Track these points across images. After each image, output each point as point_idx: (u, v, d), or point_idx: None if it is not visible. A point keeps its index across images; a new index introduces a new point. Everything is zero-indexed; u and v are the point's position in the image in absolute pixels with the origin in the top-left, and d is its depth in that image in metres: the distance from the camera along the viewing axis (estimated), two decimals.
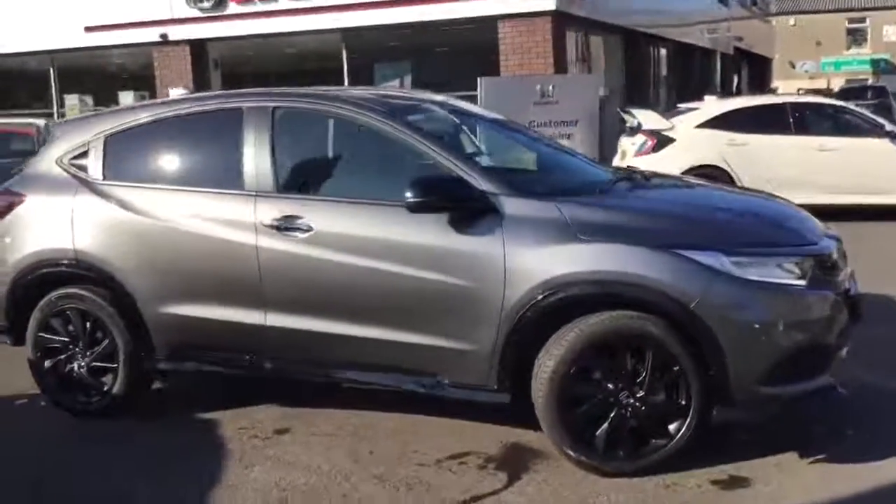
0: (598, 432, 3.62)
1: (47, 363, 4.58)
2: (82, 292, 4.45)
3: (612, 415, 3.60)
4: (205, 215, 4.20)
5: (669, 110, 13.16)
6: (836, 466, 3.69)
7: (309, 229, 3.97)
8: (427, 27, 14.31)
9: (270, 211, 4.05)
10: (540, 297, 3.61)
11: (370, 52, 15.54)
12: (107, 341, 4.44)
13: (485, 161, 4.34)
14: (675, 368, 3.54)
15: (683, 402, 3.57)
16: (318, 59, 16.37)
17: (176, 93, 4.23)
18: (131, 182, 4.42)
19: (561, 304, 3.62)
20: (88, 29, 16.36)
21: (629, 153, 11.04)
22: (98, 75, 18.65)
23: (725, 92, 25.10)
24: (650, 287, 3.49)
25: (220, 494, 3.69)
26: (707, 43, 24.56)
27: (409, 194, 3.66)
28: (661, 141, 10.62)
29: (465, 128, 4.67)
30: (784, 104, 10.90)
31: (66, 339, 4.54)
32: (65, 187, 4.53)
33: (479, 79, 11.94)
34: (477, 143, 4.65)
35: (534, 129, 11.46)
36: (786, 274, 3.57)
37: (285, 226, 4.01)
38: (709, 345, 3.47)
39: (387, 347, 3.94)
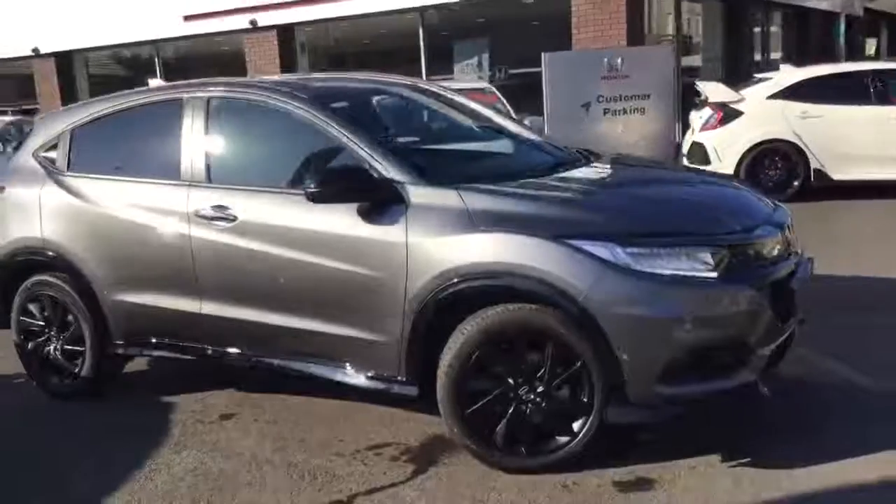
0: (498, 428, 3.50)
1: (29, 345, 4.86)
2: (51, 279, 4.68)
3: (511, 410, 3.48)
4: (146, 205, 4.32)
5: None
6: (755, 472, 3.42)
7: (234, 219, 4.02)
8: (503, 3, 14.09)
9: (201, 201, 4.12)
10: (439, 288, 3.52)
11: (447, 30, 15.47)
12: (74, 326, 4.66)
13: (416, 148, 4.23)
14: (578, 364, 3.36)
15: (586, 400, 3.40)
16: (398, 40, 16.46)
17: (154, 83, 4.37)
18: (87, 173, 4.61)
19: (460, 295, 3.51)
20: (187, 18, 17.10)
21: (697, 128, 10.54)
22: (197, 63, 19.44)
23: (854, 59, 23.41)
24: (540, 279, 3.33)
25: (136, 476, 3.80)
26: (826, 5, 22.98)
27: (309, 184, 3.63)
28: (728, 114, 10.05)
29: (414, 114, 4.58)
30: (865, 71, 10.03)
31: (41, 324, 4.80)
32: (36, 179, 4.77)
33: (542, 54, 11.71)
34: (422, 129, 4.56)
35: (602, 102, 11.36)
36: (693, 265, 3.31)
37: (213, 215, 4.07)
38: (599, 340, 3.28)
39: (305, 337, 3.94)
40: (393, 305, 3.63)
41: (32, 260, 4.75)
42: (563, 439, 3.48)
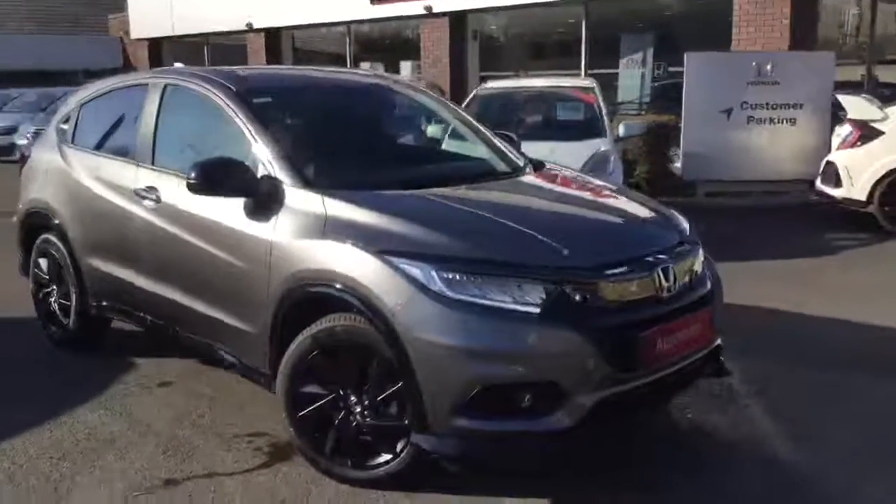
0: (328, 436, 3.49)
1: (40, 295, 5.43)
2: (52, 238, 5.19)
3: (338, 420, 3.45)
4: (108, 179, 4.67)
5: None
6: None
7: (158, 200, 4.27)
8: None
9: (141, 180, 4.41)
10: (288, 290, 3.56)
11: (610, 23, 14.97)
12: (65, 283, 5.15)
13: (324, 149, 4.19)
14: (399, 384, 3.27)
15: (406, 422, 3.30)
16: (561, 30, 16.15)
17: (177, 66, 4.68)
18: (79, 145, 5.06)
19: (304, 299, 3.53)
20: (374, 1, 17.77)
21: (834, 146, 9.53)
22: (382, 45, 20.21)
23: None
24: (356, 292, 3.26)
25: (41, 426, 4.15)
26: None
27: (190, 174, 3.77)
28: (867, 133, 8.99)
29: (362, 113, 4.60)
30: None
31: (47, 277, 5.34)
32: (51, 147, 5.30)
33: (685, 54, 11.07)
34: (362, 129, 4.54)
35: (746, 109, 10.55)
36: (514, 297, 3.10)
37: (146, 195, 4.34)
38: (404, 362, 3.16)
39: (202, 318, 4.10)
40: (259, 301, 3.70)
41: (40, 219, 5.28)
42: (386, 457, 3.41)
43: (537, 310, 3.09)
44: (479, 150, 4.66)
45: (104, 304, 4.89)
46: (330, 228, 3.46)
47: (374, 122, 4.81)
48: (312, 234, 3.51)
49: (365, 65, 19.83)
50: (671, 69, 13.69)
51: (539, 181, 4.29)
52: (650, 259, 3.39)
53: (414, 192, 3.71)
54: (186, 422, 4.20)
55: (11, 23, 33.07)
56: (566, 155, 7.59)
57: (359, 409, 3.41)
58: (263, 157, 3.82)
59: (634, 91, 15.19)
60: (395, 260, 3.20)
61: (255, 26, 21.11)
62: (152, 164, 4.43)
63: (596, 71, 14.92)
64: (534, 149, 7.58)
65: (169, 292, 4.28)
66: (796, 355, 5.02)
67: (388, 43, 20.08)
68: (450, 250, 3.21)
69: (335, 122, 4.45)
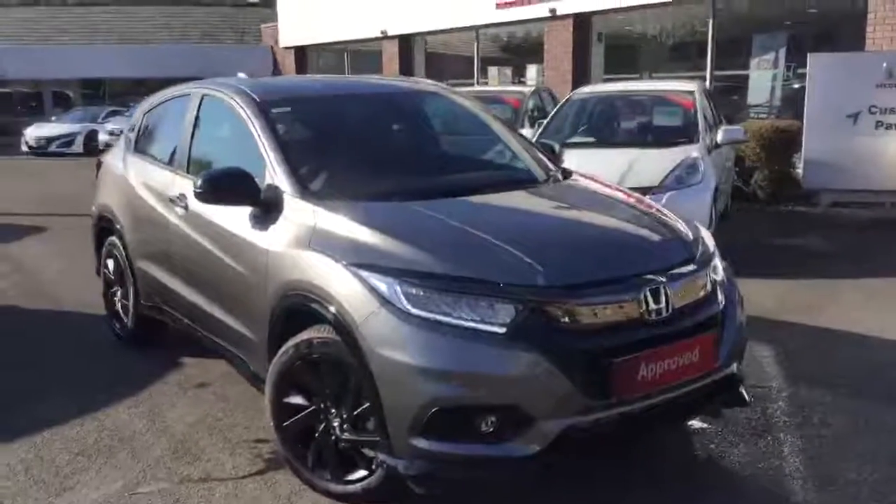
0: (310, 447, 3.47)
1: (108, 294, 5.74)
2: (115, 241, 5.46)
3: (319, 431, 3.42)
4: (154, 186, 4.86)
5: None
6: None
7: (186, 207, 4.40)
8: None
9: (177, 187, 4.56)
10: (278, 299, 3.57)
11: (739, 23, 14.20)
12: (126, 282, 5.41)
13: (334, 159, 4.17)
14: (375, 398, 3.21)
15: (378, 438, 3.23)
16: (688, 31, 15.46)
17: (240, 76, 4.77)
18: (138, 154, 5.30)
19: (291, 309, 3.52)
20: (499, 5, 17.75)
21: None
22: (510, 48, 20.09)
23: None
24: (327, 304, 3.22)
25: (77, 418, 4.38)
26: None
27: (196, 184, 3.85)
28: None
29: (389, 122, 4.57)
30: None
31: (112, 278, 5.63)
32: (119, 154, 5.58)
33: (809, 56, 10.36)
34: (386, 138, 4.51)
35: (875, 114, 9.73)
36: (480, 316, 2.96)
37: (178, 202, 4.48)
38: (368, 378, 3.09)
39: (219, 323, 4.19)
40: (259, 308, 3.73)
41: (107, 224, 5.57)
42: (363, 473, 3.34)
43: (503, 329, 2.94)
44: (500, 160, 4.52)
45: (150, 304, 5.09)
46: (315, 239, 3.45)
47: (390, 131, 4.76)
48: (301, 245, 3.50)
49: (492, 69, 19.86)
50: (800, 71, 12.85)
51: (550, 192, 4.10)
52: (638, 279, 3.15)
53: (401, 203, 3.63)
54: (204, 425, 4.29)
55: (173, 32, 35.34)
56: (651, 162, 7.31)
57: (337, 423, 3.36)
58: (269, 166, 3.86)
59: (765, 93, 14.37)
60: (363, 273, 3.14)
61: (389, 33, 21.59)
62: (187, 172, 4.56)
63: (724, 72, 14.26)
64: (616, 157, 7.39)
65: (195, 296, 4.41)
66: (859, 388, 4.56)
67: (514, 46, 19.98)
68: (415, 264, 3.11)
69: (348, 132, 4.43)
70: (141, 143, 5.38)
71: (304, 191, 3.72)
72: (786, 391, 4.55)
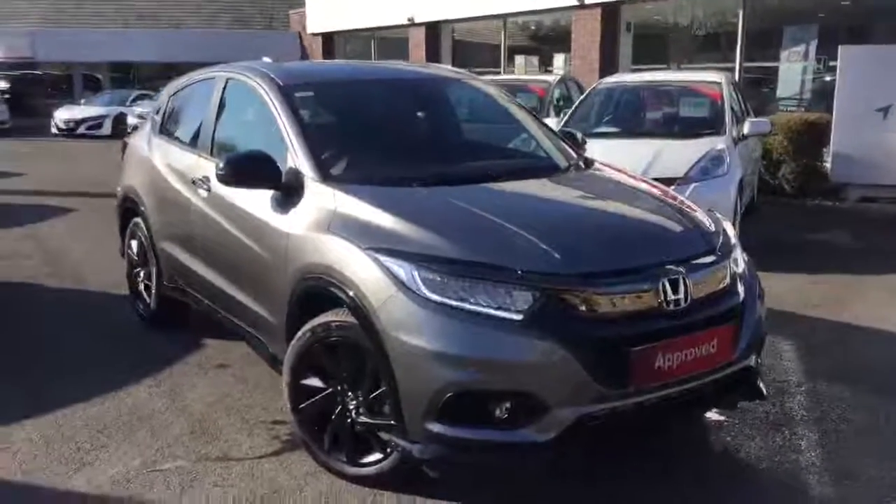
0: (326, 430, 3.50)
1: (132, 275, 5.80)
2: (139, 221, 5.51)
3: (336, 413, 3.45)
4: (177, 168, 4.90)
5: None
6: None
7: (209, 189, 4.43)
8: None
9: (200, 169, 4.59)
10: (297, 281, 3.59)
11: (770, 14, 14.01)
12: (149, 263, 5.46)
13: (356, 142, 4.18)
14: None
15: (393, 422, 3.24)
16: (717, 21, 15.29)
17: (265, 60, 4.78)
18: (162, 135, 5.34)
19: (309, 292, 3.54)
20: None
21: None
22: (537, 37, 19.98)
23: None
24: (346, 289, 3.23)
25: (99, 396, 4.43)
26: None
27: (219, 166, 3.87)
28: None
29: (413, 108, 4.57)
30: None
31: (136, 259, 5.68)
32: (145, 136, 5.62)
33: (839, 48, 10.23)
34: (409, 123, 4.51)
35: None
36: (496, 302, 2.97)
37: (202, 184, 4.51)
38: (385, 362, 3.10)
39: (239, 304, 4.23)
40: (279, 291, 3.75)
41: (131, 205, 5.62)
42: (378, 456, 3.37)
43: (520, 316, 2.94)
44: (522, 148, 4.51)
45: (172, 285, 5.14)
46: (335, 223, 3.46)
47: (413, 118, 4.75)
48: (321, 228, 3.51)
49: (519, 58, 19.78)
50: (831, 64, 12.68)
51: (571, 181, 4.09)
52: (657, 269, 3.14)
53: (422, 189, 3.63)
54: (222, 405, 4.33)
55: (203, 17, 35.51)
56: (676, 153, 7.26)
57: (353, 406, 3.38)
58: (291, 150, 3.87)
59: (795, 86, 14.20)
60: (381, 258, 3.15)
61: (416, 20, 21.56)
62: (210, 154, 4.59)
63: (754, 64, 14.10)
64: (641, 147, 7.34)
65: (215, 277, 4.44)
66: (880, 384, 4.51)
67: (542, 35, 19.88)
68: (434, 250, 3.12)
69: (370, 117, 4.44)
70: (166, 126, 5.42)
71: (326, 175, 3.74)
72: (805, 385, 4.51)
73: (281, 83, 4.24)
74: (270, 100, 4.15)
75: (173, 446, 3.87)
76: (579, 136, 4.93)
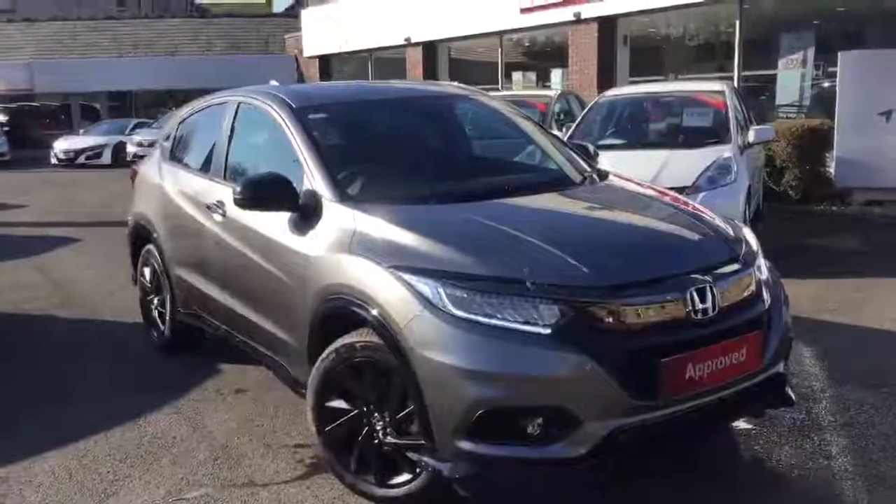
0: (353, 451, 3.47)
1: (144, 302, 5.78)
2: (152, 248, 5.50)
3: (363, 435, 3.42)
4: (190, 194, 4.89)
5: None
6: None
7: (224, 214, 4.42)
8: None
9: (214, 194, 4.58)
10: (320, 303, 3.57)
11: (766, 22, 14.08)
12: (163, 290, 5.44)
13: (372, 163, 4.18)
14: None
15: (422, 441, 3.21)
16: (714, 31, 15.36)
17: (272, 83, 4.80)
18: (172, 161, 5.34)
19: (333, 313, 3.52)
20: (523, 10, 17.75)
21: None
22: (534, 53, 20.07)
23: None
24: (371, 308, 3.22)
25: (119, 425, 4.41)
26: None
27: (236, 190, 3.86)
28: None
29: (423, 126, 4.57)
30: None
31: (149, 286, 5.67)
32: (154, 163, 5.63)
33: (839, 54, 10.27)
34: (421, 142, 4.51)
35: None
36: (523, 317, 2.95)
37: (217, 209, 4.50)
38: (412, 381, 3.08)
39: (258, 328, 4.21)
40: (300, 313, 3.73)
41: (143, 232, 5.61)
42: (407, 476, 3.33)
43: (548, 331, 2.93)
44: (536, 163, 4.51)
45: (187, 311, 5.12)
46: (356, 243, 3.45)
47: (426, 135, 4.76)
48: (342, 249, 3.50)
49: (516, 74, 19.85)
50: (830, 69, 12.74)
51: (589, 193, 4.08)
52: (683, 279, 3.12)
53: (441, 206, 3.62)
54: (244, 430, 4.30)
55: (199, 44, 35.65)
56: (682, 163, 7.26)
57: (380, 427, 3.36)
58: (308, 172, 3.87)
59: (793, 93, 14.24)
60: (406, 276, 3.14)
61: (413, 40, 21.66)
62: (224, 179, 4.59)
63: (751, 72, 14.15)
64: (647, 158, 7.35)
65: (233, 302, 4.43)
66: None
67: (538, 51, 19.96)
68: (459, 266, 3.10)
69: (384, 136, 4.45)
70: (177, 152, 5.42)
71: (343, 195, 3.73)
72: (829, 391, 4.48)
73: (294, 106, 4.25)
74: (284, 123, 4.15)
75: (197, 474, 3.84)
76: (591, 148, 4.93)
